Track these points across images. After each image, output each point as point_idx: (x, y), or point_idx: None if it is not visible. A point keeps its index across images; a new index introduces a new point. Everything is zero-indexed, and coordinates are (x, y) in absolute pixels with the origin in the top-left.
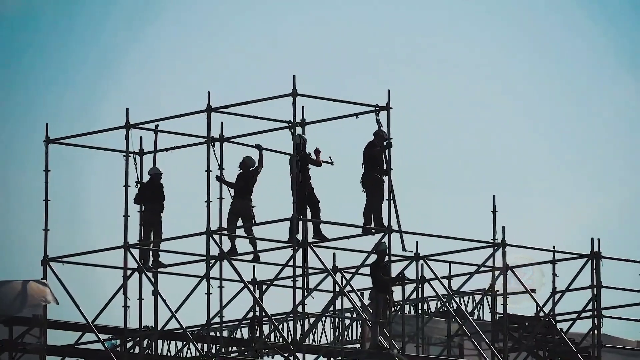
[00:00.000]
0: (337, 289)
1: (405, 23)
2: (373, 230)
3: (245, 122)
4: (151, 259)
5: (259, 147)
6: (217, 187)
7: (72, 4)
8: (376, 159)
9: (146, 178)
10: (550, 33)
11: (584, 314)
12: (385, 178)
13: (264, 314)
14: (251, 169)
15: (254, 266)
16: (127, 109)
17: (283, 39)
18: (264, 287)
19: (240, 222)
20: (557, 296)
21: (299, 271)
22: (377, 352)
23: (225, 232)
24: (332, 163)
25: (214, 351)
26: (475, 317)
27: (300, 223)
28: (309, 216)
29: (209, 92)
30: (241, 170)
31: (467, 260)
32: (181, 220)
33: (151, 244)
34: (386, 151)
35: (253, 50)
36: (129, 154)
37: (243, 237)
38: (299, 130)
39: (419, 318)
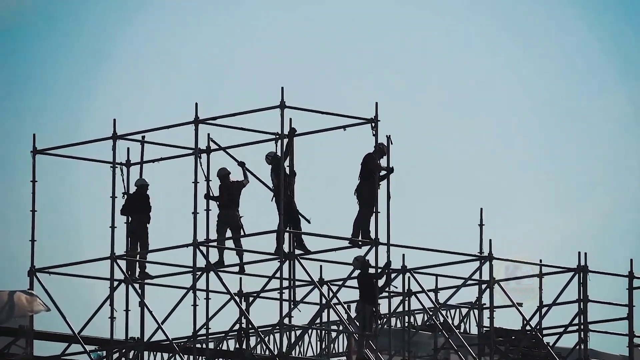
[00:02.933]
0: (324, 301)
1: (394, 36)
2: (360, 243)
3: (233, 134)
4: (138, 270)
5: (242, 164)
6: (203, 198)
7: (59, 13)
8: (373, 171)
9: (133, 189)
10: (542, 48)
11: (570, 328)
12: (379, 191)
13: (250, 326)
14: (234, 180)
15: (240, 278)
16: (114, 120)
17: (272, 51)
18: (251, 299)
19: (229, 232)
20: (544, 310)
21: (285, 283)
22: None
23: (211, 243)
24: (308, 221)
25: None
26: (462, 331)
27: (287, 235)
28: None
29: (196, 104)
30: (220, 182)
31: (454, 273)
32: (168, 232)
33: (138, 255)
34: (385, 173)
35: (241, 61)
36: (116, 165)
37: (231, 248)
38: (291, 143)
39: (406, 331)
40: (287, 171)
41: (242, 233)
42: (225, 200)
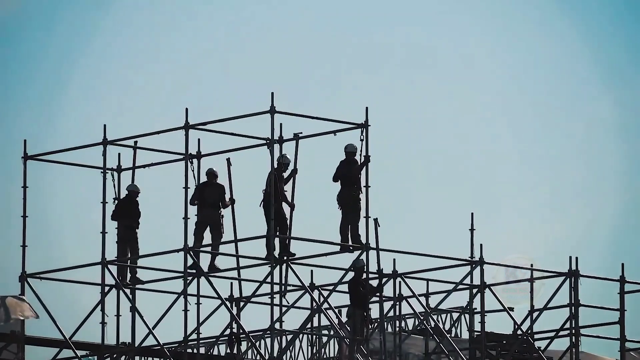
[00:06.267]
0: (315, 306)
1: (384, 40)
2: (351, 248)
3: (223, 139)
4: (129, 275)
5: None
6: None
7: (50, 17)
8: (354, 176)
9: (124, 194)
10: (531, 54)
11: (561, 333)
12: (362, 195)
13: (241, 331)
14: (217, 183)
15: (231, 283)
16: (105, 126)
17: (262, 56)
18: (242, 303)
19: (208, 232)
20: (535, 314)
21: (276, 288)
22: None
23: (202, 249)
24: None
25: None
26: (453, 335)
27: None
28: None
29: (187, 109)
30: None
31: (445, 277)
32: (159, 237)
33: (129, 261)
34: (364, 167)
35: (232, 66)
36: (107, 171)
37: (222, 254)
38: (281, 149)
39: (397, 335)
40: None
41: (221, 232)
42: (194, 201)
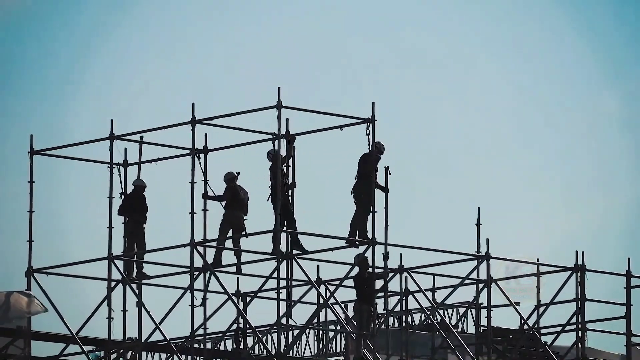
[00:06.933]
0: (321, 301)
1: (391, 35)
2: (357, 242)
3: (229, 134)
4: (135, 270)
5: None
6: (201, 198)
7: (55, 12)
8: (369, 171)
9: (130, 189)
10: (536, 50)
11: (568, 327)
12: (376, 191)
13: (247, 326)
14: (241, 186)
15: (237, 278)
16: (112, 121)
17: (268, 51)
18: (248, 299)
19: (230, 233)
20: (542, 309)
21: (282, 283)
22: None
23: (208, 244)
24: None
25: None
26: (459, 330)
27: (284, 235)
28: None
29: (193, 104)
30: (226, 185)
31: (451, 272)
32: (165, 232)
33: (135, 256)
34: (380, 167)
35: (238, 61)
36: (113, 166)
37: (229, 249)
38: (279, 144)
39: (403, 331)
40: (289, 180)
41: (242, 234)
42: (229, 200)
